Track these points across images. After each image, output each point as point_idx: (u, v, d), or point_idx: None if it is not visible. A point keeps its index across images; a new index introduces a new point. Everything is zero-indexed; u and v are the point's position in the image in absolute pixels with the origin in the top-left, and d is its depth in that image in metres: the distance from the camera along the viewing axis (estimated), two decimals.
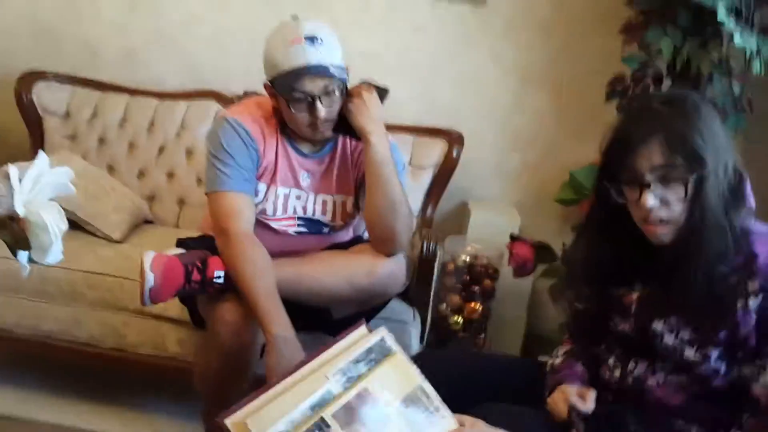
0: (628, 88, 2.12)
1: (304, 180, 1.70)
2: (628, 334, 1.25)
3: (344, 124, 1.60)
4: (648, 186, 1.10)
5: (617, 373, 1.26)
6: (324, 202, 1.72)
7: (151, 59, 2.65)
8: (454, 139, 2.37)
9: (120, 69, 2.63)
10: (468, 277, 2.30)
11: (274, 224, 1.69)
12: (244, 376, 1.60)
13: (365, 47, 2.53)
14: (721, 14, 1.81)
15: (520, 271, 2.16)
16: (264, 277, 1.51)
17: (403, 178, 1.69)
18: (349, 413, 0.94)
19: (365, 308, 1.72)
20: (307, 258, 1.66)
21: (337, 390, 0.96)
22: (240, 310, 1.53)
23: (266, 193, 1.67)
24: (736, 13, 1.85)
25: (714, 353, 1.14)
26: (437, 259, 2.00)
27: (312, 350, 1.46)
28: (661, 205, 1.10)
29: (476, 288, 2.30)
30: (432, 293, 2.06)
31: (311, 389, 0.94)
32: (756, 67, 1.92)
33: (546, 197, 2.55)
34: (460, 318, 2.29)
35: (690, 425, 1.19)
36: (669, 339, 1.17)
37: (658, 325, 1.18)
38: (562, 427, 1.17)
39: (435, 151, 2.38)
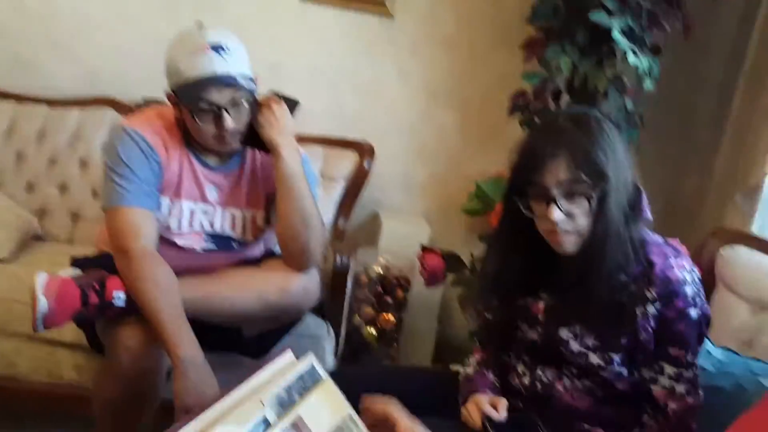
0: (529, 102, 2.20)
1: (211, 194, 1.63)
2: (536, 342, 1.28)
3: (253, 137, 1.55)
4: (554, 200, 1.14)
5: (526, 380, 1.29)
6: (233, 217, 1.66)
7: (41, 65, 2.48)
8: (365, 151, 2.37)
9: (6, 75, 2.45)
10: (380, 289, 2.30)
11: (179, 240, 1.62)
12: (148, 404, 1.52)
13: (272, 58, 2.50)
14: (616, 34, 1.92)
15: (432, 281, 2.18)
16: (168, 297, 1.43)
17: (315, 192, 1.65)
18: None
19: (277, 325, 1.67)
20: (215, 276, 1.59)
21: (272, 418, 0.94)
22: (141, 335, 1.44)
23: (170, 207, 1.59)
24: (630, 33, 1.97)
25: (617, 358, 1.19)
26: (350, 271, 1.98)
27: (220, 372, 1.43)
28: (567, 218, 1.15)
29: (389, 299, 2.30)
30: (345, 306, 2.05)
31: (248, 416, 0.91)
32: (647, 84, 2.05)
33: (454, 208, 2.61)
34: (373, 329, 2.29)
35: (596, 428, 1.24)
36: (574, 345, 1.22)
37: (564, 333, 1.23)
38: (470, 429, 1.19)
39: (346, 162, 2.37)
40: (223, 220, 1.65)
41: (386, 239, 2.45)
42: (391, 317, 2.30)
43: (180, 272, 1.52)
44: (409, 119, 2.60)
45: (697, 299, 1.17)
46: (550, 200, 1.14)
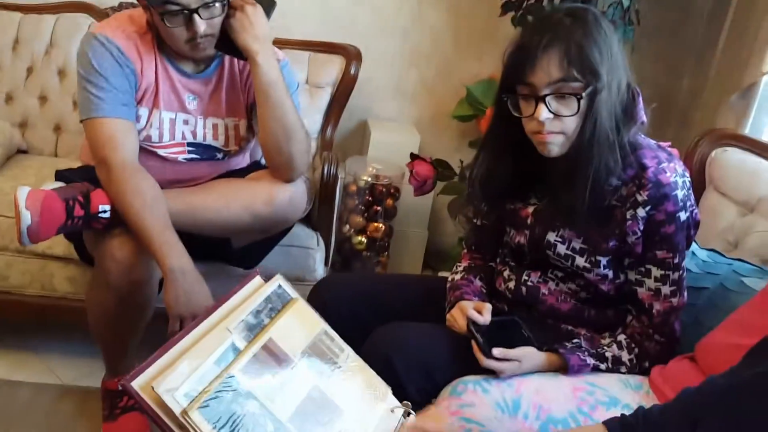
0: (523, 0, 2.11)
1: (190, 103, 1.58)
2: (524, 246, 1.29)
3: (227, 43, 1.47)
4: (543, 99, 1.11)
5: (512, 284, 1.31)
6: (215, 126, 1.62)
7: None
8: (352, 55, 2.29)
9: None
10: (370, 198, 2.29)
11: (161, 152, 1.58)
12: (141, 314, 1.53)
13: None
14: None
15: (421, 189, 2.18)
16: (154, 208, 1.41)
17: (297, 99, 1.60)
18: (257, 366, 0.91)
19: (266, 236, 1.67)
20: (201, 188, 1.57)
21: (242, 344, 0.92)
22: (130, 246, 1.43)
23: (149, 118, 1.55)
24: None
25: (603, 261, 1.20)
26: (339, 181, 1.97)
27: (212, 281, 1.45)
28: (554, 119, 1.12)
29: (378, 208, 2.30)
30: (335, 215, 2.04)
31: (215, 345, 0.89)
32: None
33: (444, 115, 2.56)
34: (363, 238, 2.30)
35: (578, 328, 1.27)
36: (562, 249, 1.23)
37: (551, 236, 1.23)
38: (464, 339, 1.21)
39: (332, 68, 2.29)
40: (204, 130, 1.61)
41: (375, 147, 2.42)
42: (380, 226, 2.30)
43: (165, 184, 1.50)
44: (399, 21, 2.50)
45: (688, 203, 1.17)
46: (539, 99, 1.11)
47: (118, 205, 1.42)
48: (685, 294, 1.22)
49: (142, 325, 1.56)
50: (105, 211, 1.43)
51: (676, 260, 1.18)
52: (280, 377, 0.93)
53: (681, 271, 1.19)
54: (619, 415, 0.80)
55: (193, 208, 1.51)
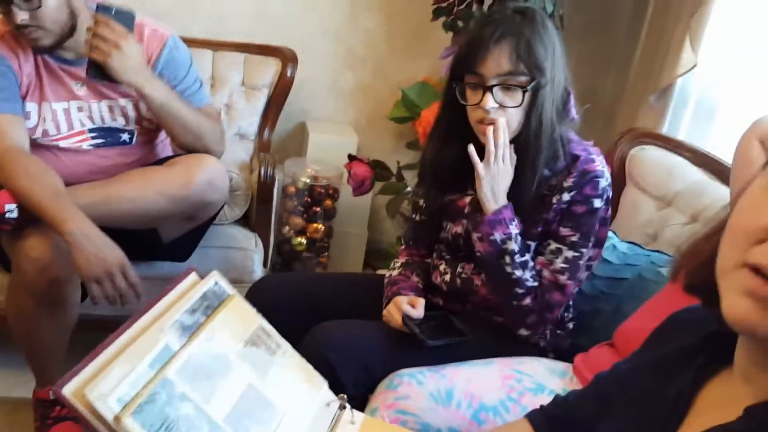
0: (453, 5, 2.17)
1: (79, 89, 1.58)
2: (460, 236, 1.34)
3: (101, 72, 1.45)
4: (490, 89, 1.17)
5: (447, 277, 1.36)
6: (110, 108, 1.62)
7: None
8: (288, 57, 2.30)
9: None
10: (309, 199, 2.31)
11: (64, 143, 1.59)
12: (64, 317, 1.51)
13: None
14: None
15: (359, 190, 2.21)
16: (42, 180, 1.40)
17: (203, 92, 1.69)
18: (192, 367, 0.88)
19: (194, 225, 1.67)
20: (116, 178, 1.55)
21: (176, 345, 0.89)
22: (46, 244, 1.41)
23: (39, 112, 1.55)
24: None
25: (532, 245, 1.27)
26: (276, 182, 1.98)
27: (148, 279, 1.44)
28: (499, 108, 1.18)
29: (318, 209, 2.32)
30: (273, 217, 2.06)
31: (148, 346, 0.86)
32: None
33: (380, 116, 2.60)
34: (303, 239, 2.32)
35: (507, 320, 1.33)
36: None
37: None
38: (399, 333, 1.25)
39: (268, 70, 2.30)
40: (101, 113, 1.61)
41: (314, 149, 2.44)
42: (320, 227, 2.32)
43: (81, 177, 1.52)
44: (334, 23, 2.52)
45: (605, 195, 1.24)
46: (486, 89, 1.17)
47: (11, 190, 1.41)
48: (574, 281, 1.26)
49: (66, 328, 1.53)
50: (11, 211, 1.41)
51: (575, 239, 1.23)
52: (216, 377, 0.91)
53: (578, 254, 1.24)
54: (539, 405, 0.85)
55: (108, 199, 1.49)
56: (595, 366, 1.21)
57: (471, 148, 1.19)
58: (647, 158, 1.78)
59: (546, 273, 1.25)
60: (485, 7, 2.15)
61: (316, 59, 2.53)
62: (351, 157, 2.23)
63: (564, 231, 1.24)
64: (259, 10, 2.46)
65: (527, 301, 1.25)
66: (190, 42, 2.31)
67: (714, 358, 0.63)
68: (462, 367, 1.22)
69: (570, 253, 1.24)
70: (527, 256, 1.25)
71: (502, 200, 1.22)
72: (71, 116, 1.58)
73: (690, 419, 0.61)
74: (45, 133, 1.56)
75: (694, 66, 2.01)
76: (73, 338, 1.57)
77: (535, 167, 1.20)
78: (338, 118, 2.65)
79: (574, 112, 1.28)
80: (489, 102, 1.17)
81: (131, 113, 1.64)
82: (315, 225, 2.32)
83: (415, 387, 1.18)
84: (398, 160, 2.31)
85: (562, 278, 1.25)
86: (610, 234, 1.56)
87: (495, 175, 1.20)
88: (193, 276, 1.02)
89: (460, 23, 2.16)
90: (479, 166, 1.19)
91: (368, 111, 2.65)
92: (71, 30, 1.51)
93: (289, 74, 2.28)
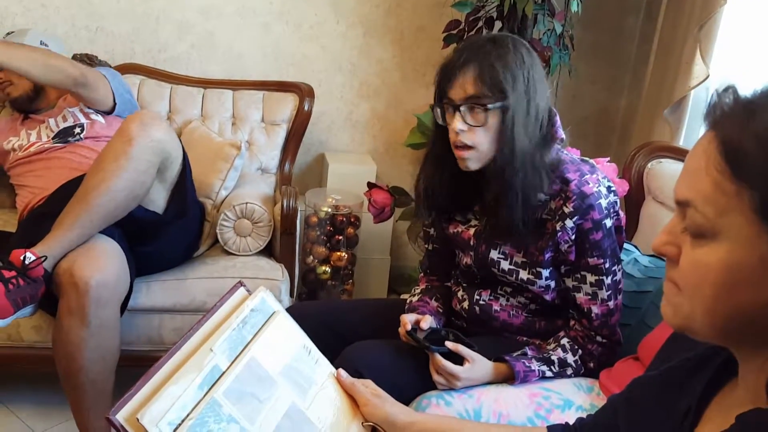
0: (463, 32, 2.22)
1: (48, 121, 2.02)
2: (471, 266, 1.36)
3: None
4: (458, 109, 1.20)
5: (466, 304, 1.38)
6: (63, 116, 1.99)
7: None
8: (305, 92, 2.37)
9: None
10: (331, 228, 2.35)
11: (34, 149, 1.93)
12: (108, 345, 1.59)
13: (202, 2, 2.44)
14: None
15: (380, 216, 2.24)
16: None
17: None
18: (239, 388, 0.91)
19: (171, 178, 1.74)
20: (78, 189, 1.61)
21: (224, 364, 0.92)
22: (89, 266, 1.54)
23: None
24: None
25: (545, 272, 1.28)
26: (299, 213, 2.02)
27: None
28: (468, 130, 1.20)
29: (340, 237, 2.36)
30: (297, 247, 2.09)
31: (198, 367, 0.89)
32: (574, 6, 2.09)
33: (397, 143, 2.65)
34: (327, 267, 2.35)
35: (532, 339, 1.35)
36: (505, 264, 1.30)
37: (494, 254, 1.31)
38: (426, 356, 1.27)
39: (286, 105, 2.36)
40: (56, 121, 1.99)
41: (333, 179, 2.49)
42: (343, 255, 2.36)
43: (64, 175, 1.80)
44: (348, 57, 2.59)
45: (612, 210, 1.25)
46: (455, 110, 1.20)
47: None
48: (620, 297, 1.30)
49: (110, 358, 1.60)
50: (29, 258, 1.48)
51: (608, 265, 1.25)
52: (260, 397, 0.93)
53: (614, 275, 1.27)
54: (563, 422, 0.87)
55: (87, 204, 1.56)
56: (620, 380, 1.21)
57: (453, 346, 1.23)
58: (664, 171, 1.79)
59: (596, 309, 1.27)
60: (495, 32, 2.19)
61: (331, 92, 2.60)
62: (370, 185, 2.27)
63: (593, 261, 1.25)
64: (275, 48, 2.54)
65: (592, 364, 1.30)
66: (210, 83, 2.41)
67: (722, 369, 0.64)
68: (489, 387, 1.23)
69: (609, 279, 1.26)
70: (560, 354, 1.28)
71: (491, 371, 1.24)
72: (38, 135, 1.99)
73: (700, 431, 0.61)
74: (18, 148, 1.94)
75: (707, 77, 2.03)
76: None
77: (516, 192, 1.21)
78: (356, 147, 2.70)
79: (561, 132, 1.30)
80: (458, 124, 1.20)
81: (71, 111, 1.99)
82: (338, 253, 2.36)
83: (444, 408, 1.19)
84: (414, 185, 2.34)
85: (612, 303, 1.27)
86: (631, 248, 1.57)
87: (469, 378, 1.22)
88: (242, 291, 1.05)
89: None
90: (458, 369, 1.22)
91: (385, 139, 2.70)
92: (36, 91, 2.04)
93: (306, 108, 2.34)
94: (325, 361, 1.10)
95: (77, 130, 1.96)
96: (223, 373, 0.91)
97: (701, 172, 0.56)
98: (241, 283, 1.07)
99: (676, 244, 0.59)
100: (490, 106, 1.18)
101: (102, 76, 1.92)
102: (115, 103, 1.97)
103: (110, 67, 2.24)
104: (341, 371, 1.03)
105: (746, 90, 0.58)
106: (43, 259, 1.50)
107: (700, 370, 0.66)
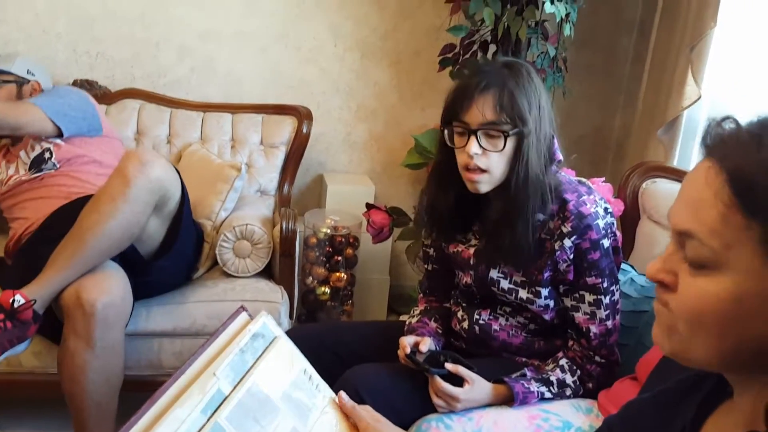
0: (459, 55, 2.26)
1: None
2: (471, 286, 1.38)
3: None
4: (475, 133, 1.22)
5: (465, 324, 1.39)
6: (31, 146, 1.99)
7: None
8: (303, 115, 2.40)
9: None
10: (330, 249, 2.36)
11: (13, 181, 1.94)
12: (113, 368, 1.61)
13: (201, 26, 2.47)
14: None
15: (379, 237, 2.26)
16: None
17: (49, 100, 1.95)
18: (242, 413, 0.91)
19: (168, 215, 1.72)
20: (72, 228, 1.61)
21: (227, 388, 0.92)
22: (95, 287, 1.55)
23: None
24: None
25: (544, 291, 1.30)
26: (297, 234, 2.04)
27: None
28: (482, 154, 1.22)
29: (339, 258, 2.37)
30: (297, 269, 2.11)
31: (202, 391, 0.89)
32: (566, 29, 2.12)
33: (394, 164, 2.67)
34: (327, 288, 2.36)
35: (531, 359, 1.36)
36: (505, 284, 1.32)
37: (494, 273, 1.33)
38: (426, 380, 1.28)
39: (285, 128, 2.39)
40: (26, 152, 1.98)
41: (332, 200, 2.51)
42: (343, 275, 2.37)
43: (49, 203, 1.83)
44: (345, 79, 2.63)
45: (609, 231, 1.27)
46: (472, 133, 1.22)
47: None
48: (618, 317, 1.31)
49: (114, 380, 1.62)
50: (18, 300, 1.50)
51: (606, 284, 1.27)
52: (262, 422, 0.94)
53: (612, 295, 1.29)
54: None
55: (83, 244, 1.56)
56: (619, 400, 1.22)
57: (453, 367, 1.24)
58: (659, 191, 1.81)
59: (594, 329, 1.28)
60: (489, 55, 2.23)
61: (329, 114, 2.63)
62: (369, 206, 2.29)
63: (591, 280, 1.26)
64: (273, 71, 2.57)
65: (591, 384, 1.31)
66: (209, 106, 2.43)
67: (715, 390, 0.65)
68: (488, 410, 1.24)
69: (607, 299, 1.27)
70: (559, 375, 1.29)
71: (491, 393, 1.25)
72: (16, 168, 1.99)
73: None
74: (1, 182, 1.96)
75: (699, 98, 2.06)
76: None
77: (525, 216, 1.23)
78: (354, 168, 2.72)
79: (559, 154, 1.32)
80: (473, 147, 1.22)
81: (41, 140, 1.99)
82: (338, 274, 2.37)
83: (443, 431, 1.20)
84: (414, 205, 2.35)
85: (610, 323, 1.29)
86: (627, 268, 1.59)
87: (468, 399, 1.23)
88: (244, 315, 1.05)
89: (466, 72, 2.24)
90: (458, 391, 1.23)
91: (382, 160, 2.72)
92: None
93: (305, 131, 2.37)
94: (325, 386, 1.11)
95: (47, 155, 1.96)
96: (226, 397, 0.92)
97: (705, 203, 0.55)
98: (243, 308, 1.08)
99: (672, 271, 0.59)
100: (510, 132, 1.21)
101: (32, 110, 1.90)
102: (58, 127, 1.94)
103: (109, 91, 2.31)
104: (342, 394, 1.04)
105: (744, 117, 0.57)
106: (32, 302, 1.51)
107: (694, 390, 0.66)
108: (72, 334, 1.55)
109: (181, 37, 2.48)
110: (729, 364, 0.57)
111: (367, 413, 1.03)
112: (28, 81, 2.07)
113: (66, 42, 2.41)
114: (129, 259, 1.68)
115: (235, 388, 0.94)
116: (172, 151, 2.31)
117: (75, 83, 2.34)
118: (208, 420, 0.88)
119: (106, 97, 2.35)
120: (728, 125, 0.57)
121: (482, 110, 1.20)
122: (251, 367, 0.98)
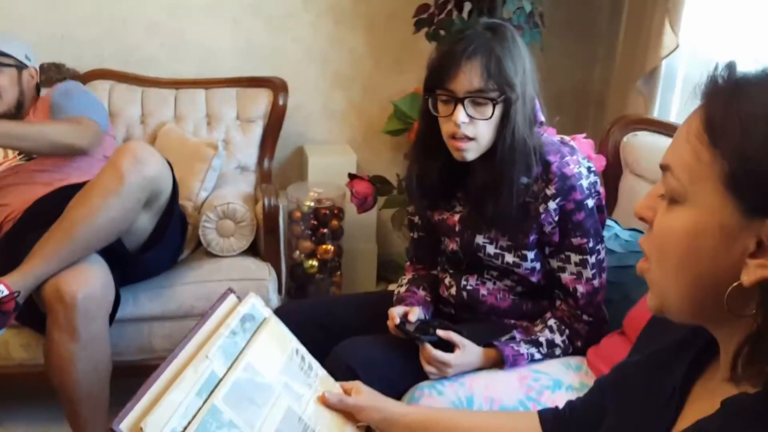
0: (434, 15, 2.21)
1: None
2: (458, 252, 1.37)
3: None
4: (462, 102, 1.19)
5: (453, 290, 1.39)
6: None
7: None
8: (278, 87, 2.35)
9: None
10: (315, 221, 2.35)
11: (4, 167, 1.87)
12: (100, 356, 1.60)
13: (170, 2, 2.41)
14: None
15: (363, 207, 2.24)
16: None
17: (75, 100, 1.91)
18: (238, 393, 0.92)
19: (158, 210, 1.70)
20: (61, 216, 1.59)
21: (221, 370, 0.93)
22: (75, 279, 1.53)
23: None
24: None
25: (530, 254, 1.29)
26: (281, 209, 2.02)
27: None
28: (470, 122, 1.20)
29: (325, 230, 2.36)
30: (282, 244, 2.09)
31: (196, 374, 0.90)
32: None
33: (375, 131, 2.64)
34: (314, 261, 2.35)
35: (520, 321, 1.36)
36: (491, 249, 1.31)
37: (479, 239, 1.32)
38: (417, 348, 1.28)
39: (261, 101, 2.35)
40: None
41: (314, 172, 2.48)
42: (329, 247, 2.36)
43: (27, 189, 1.80)
44: (319, 47, 2.57)
45: (593, 190, 1.27)
46: (458, 102, 1.19)
47: None
48: (604, 275, 1.32)
49: (103, 369, 1.61)
50: (1, 291, 1.48)
51: (591, 244, 1.27)
52: (258, 402, 0.94)
53: (597, 254, 1.29)
54: (557, 402, 0.88)
55: (70, 234, 1.55)
56: (607, 356, 1.23)
57: (444, 333, 1.23)
58: (640, 144, 1.80)
59: (581, 288, 1.28)
60: (465, 14, 2.19)
61: (306, 84, 2.58)
62: (351, 176, 2.26)
63: (576, 241, 1.26)
64: (245, 43, 2.51)
65: (579, 343, 1.32)
66: (181, 83, 2.38)
67: (704, 351, 0.65)
68: (479, 373, 1.25)
69: (593, 258, 1.27)
70: (548, 335, 1.29)
71: (481, 357, 1.25)
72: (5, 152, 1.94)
73: (685, 413, 0.62)
74: None
75: (677, 47, 2.04)
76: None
77: (511, 181, 1.22)
78: (334, 138, 2.69)
79: (541, 115, 1.31)
80: (460, 116, 1.19)
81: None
82: (324, 246, 2.36)
83: (436, 398, 1.21)
84: (398, 172, 2.34)
85: (597, 282, 1.29)
86: (611, 223, 1.59)
87: (460, 364, 1.23)
88: (232, 298, 1.06)
89: (442, 32, 2.20)
90: (449, 357, 1.22)
91: (363, 128, 2.69)
92: (18, 107, 1.93)
93: (281, 103, 2.33)
94: (317, 365, 1.11)
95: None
96: (221, 379, 0.92)
97: (683, 139, 0.58)
98: (230, 290, 1.08)
99: (652, 208, 0.62)
100: (498, 99, 1.18)
101: (91, 126, 1.84)
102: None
103: (78, 73, 2.24)
104: (326, 394, 1.04)
105: (745, 67, 0.59)
106: (16, 294, 1.49)
107: (683, 351, 0.67)
108: (55, 327, 1.53)
109: (148, 13, 2.41)
110: (698, 311, 0.59)
111: (356, 400, 1.03)
112: (26, 66, 1.99)
113: (30, 26, 2.34)
114: (115, 251, 1.66)
115: (228, 370, 0.94)
116: (146, 132, 2.26)
117: (42, 68, 2.27)
118: (205, 402, 0.88)
119: (75, 79, 2.28)
120: (723, 72, 0.58)
121: (469, 78, 1.17)
122: (243, 349, 0.98)
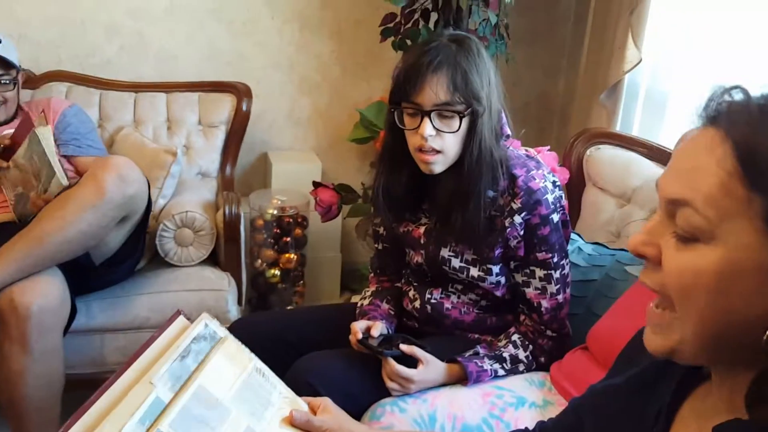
0: (400, 24, 2.20)
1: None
2: (422, 265, 1.35)
3: None
4: (428, 115, 1.18)
5: (417, 303, 1.37)
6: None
7: None
8: (242, 92, 2.31)
9: None
10: (278, 230, 2.31)
11: None
12: (52, 371, 1.55)
13: (130, 3, 2.34)
14: None
15: (327, 215, 2.21)
16: None
17: (94, 137, 1.94)
18: (187, 418, 0.87)
19: (130, 226, 1.66)
20: (33, 222, 1.55)
21: (167, 396, 0.87)
22: (30, 290, 1.49)
23: None
24: None
25: (495, 269, 1.28)
26: (243, 218, 1.98)
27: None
28: (436, 135, 1.19)
29: (288, 239, 2.32)
30: (243, 253, 2.05)
31: (138, 401, 0.84)
32: None
33: (341, 139, 2.61)
34: (276, 270, 2.31)
35: (483, 335, 1.35)
36: (456, 262, 1.30)
37: (444, 252, 1.30)
38: (380, 363, 1.26)
39: (223, 106, 2.30)
40: None
41: (278, 179, 2.44)
42: (292, 256, 2.32)
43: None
44: (285, 53, 2.54)
45: (558, 204, 1.26)
46: (424, 115, 1.18)
47: None
48: (569, 290, 1.31)
49: (55, 384, 1.55)
50: None
51: (556, 259, 1.26)
52: (212, 424, 0.90)
53: (562, 269, 1.28)
54: (521, 419, 0.86)
55: (39, 242, 1.50)
56: (571, 373, 1.23)
57: (408, 348, 1.22)
58: (603, 157, 1.81)
59: (545, 303, 1.28)
60: (431, 24, 2.18)
61: (270, 90, 2.54)
62: (316, 184, 2.24)
63: (541, 255, 1.25)
64: (209, 47, 2.46)
65: (543, 358, 1.31)
66: (142, 86, 2.32)
67: (693, 372, 0.63)
68: (442, 390, 1.23)
69: (557, 273, 1.27)
70: (512, 350, 1.29)
71: (445, 373, 1.24)
72: None
73: None
74: None
75: (639, 62, 2.06)
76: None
77: (479, 193, 1.21)
78: (299, 145, 2.66)
79: (507, 129, 1.30)
80: (427, 129, 1.18)
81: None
82: (287, 255, 2.32)
83: (398, 415, 1.18)
84: (363, 181, 2.31)
85: (561, 297, 1.28)
86: (575, 237, 1.59)
87: (423, 380, 1.22)
88: (181, 320, 1.00)
89: (408, 42, 2.18)
90: (412, 372, 1.21)
91: (328, 135, 2.66)
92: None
93: (244, 108, 2.28)
94: (281, 384, 1.07)
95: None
96: (168, 405, 0.87)
97: (705, 171, 0.52)
98: (180, 312, 1.03)
99: (655, 244, 0.56)
100: (465, 112, 1.17)
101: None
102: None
103: (33, 75, 2.17)
104: (294, 412, 1.00)
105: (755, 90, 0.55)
106: None
107: (669, 373, 0.64)
108: (6, 339, 1.47)
109: (108, 15, 2.35)
110: (713, 354, 0.55)
111: (322, 422, 1.00)
112: (20, 71, 1.92)
113: None
114: (80, 263, 1.60)
115: (177, 394, 0.89)
116: (104, 136, 2.19)
117: None
118: (149, 429, 0.83)
119: (30, 81, 2.20)
120: (737, 95, 0.54)
121: (435, 91, 1.16)
122: (194, 371, 0.94)
